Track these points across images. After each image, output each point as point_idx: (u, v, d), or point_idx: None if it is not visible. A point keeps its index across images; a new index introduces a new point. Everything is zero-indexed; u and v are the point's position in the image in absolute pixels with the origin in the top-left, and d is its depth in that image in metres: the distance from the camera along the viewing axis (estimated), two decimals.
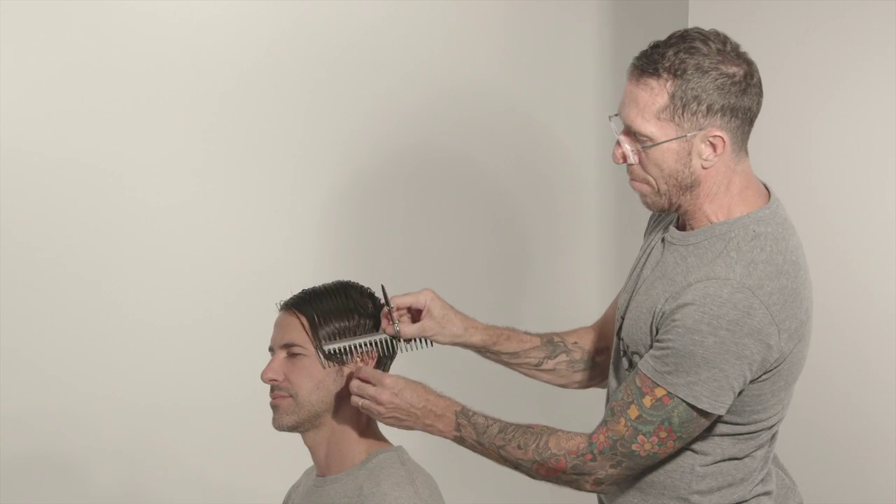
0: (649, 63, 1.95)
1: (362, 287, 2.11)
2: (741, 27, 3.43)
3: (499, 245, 3.52)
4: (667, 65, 1.94)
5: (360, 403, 2.02)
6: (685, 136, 1.95)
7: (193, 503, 2.96)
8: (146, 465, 2.93)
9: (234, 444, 3.02)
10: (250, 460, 3.02)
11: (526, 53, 3.56)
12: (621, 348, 2.14)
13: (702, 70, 1.94)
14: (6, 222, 2.77)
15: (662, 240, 2.12)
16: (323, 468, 2.09)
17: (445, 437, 2.10)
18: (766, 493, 2.14)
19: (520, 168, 3.57)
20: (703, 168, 1.98)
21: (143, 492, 2.91)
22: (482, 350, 2.28)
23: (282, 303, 2.09)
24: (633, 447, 1.98)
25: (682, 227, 2.10)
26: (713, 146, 1.97)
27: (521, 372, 2.35)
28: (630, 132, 1.99)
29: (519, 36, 3.55)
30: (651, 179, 2.00)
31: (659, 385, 1.95)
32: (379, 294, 2.11)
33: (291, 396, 2.02)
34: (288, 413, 2.03)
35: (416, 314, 2.17)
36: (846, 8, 3.18)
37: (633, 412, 1.97)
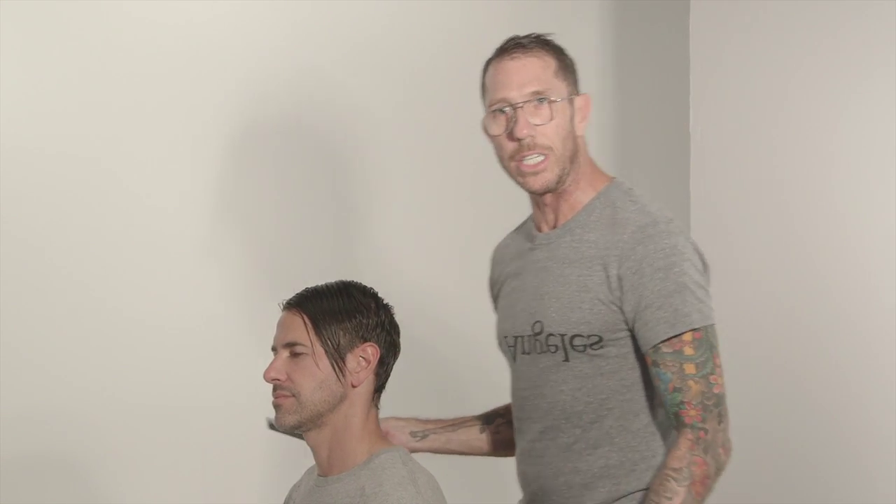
0: (527, 42, 2.16)
1: (365, 287, 2.10)
2: (742, 26, 3.44)
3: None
4: (543, 42, 2.18)
5: None
6: (571, 97, 2.15)
7: (194, 503, 2.96)
8: (146, 465, 2.92)
9: (235, 444, 3.01)
10: (251, 460, 3.02)
11: None
12: (550, 343, 2.17)
13: (563, 49, 2.21)
14: (7, 222, 2.77)
15: (531, 249, 2.25)
16: (325, 468, 2.08)
17: None
18: None
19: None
20: (578, 134, 2.17)
21: (144, 492, 2.91)
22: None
23: (284, 302, 2.09)
24: (715, 391, 2.06)
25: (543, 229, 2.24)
26: (582, 110, 2.17)
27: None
28: (533, 98, 2.12)
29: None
30: (552, 144, 2.13)
31: (683, 332, 2.05)
32: None
33: (294, 396, 2.02)
34: (290, 413, 2.03)
35: None
36: (847, 7, 3.18)
37: (690, 369, 2.05)
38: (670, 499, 2.03)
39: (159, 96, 2.95)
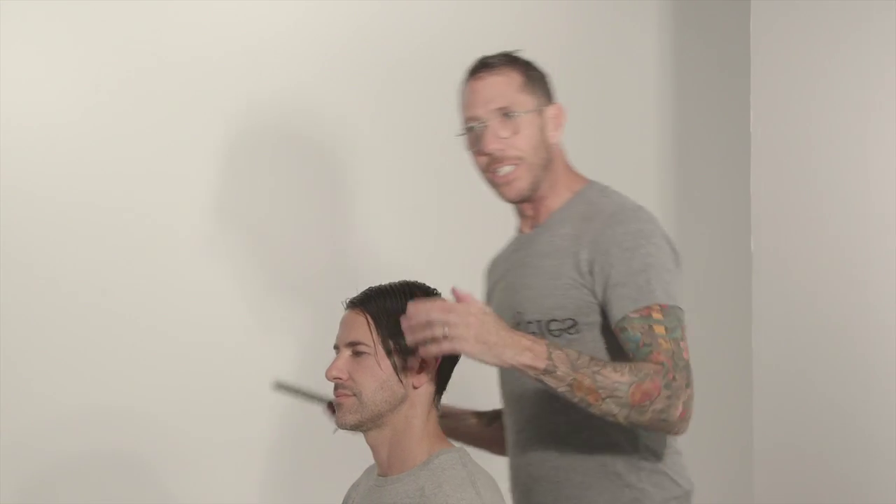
0: (494, 61, 2.24)
1: (427, 287, 2.09)
2: (803, 25, 3.42)
3: None
4: (509, 59, 2.26)
5: (447, 321, 1.94)
6: (540, 108, 2.22)
7: (256, 502, 2.98)
8: (210, 462, 2.95)
9: (296, 443, 3.03)
10: (311, 458, 3.04)
11: (587, 57, 3.55)
12: (529, 331, 2.17)
13: (532, 63, 2.28)
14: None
15: (514, 251, 2.34)
16: (384, 468, 2.08)
17: (532, 369, 2.02)
18: None
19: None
20: (552, 142, 2.25)
21: (209, 490, 2.94)
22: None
23: (348, 301, 2.09)
24: (684, 356, 2.05)
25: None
26: (556, 119, 2.26)
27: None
28: (499, 114, 2.20)
29: (580, 40, 3.55)
30: (522, 154, 2.21)
31: (647, 305, 2.07)
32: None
33: (355, 395, 2.02)
34: (351, 412, 2.02)
35: None
36: None
37: (659, 330, 2.06)
38: (616, 371, 1.99)
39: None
